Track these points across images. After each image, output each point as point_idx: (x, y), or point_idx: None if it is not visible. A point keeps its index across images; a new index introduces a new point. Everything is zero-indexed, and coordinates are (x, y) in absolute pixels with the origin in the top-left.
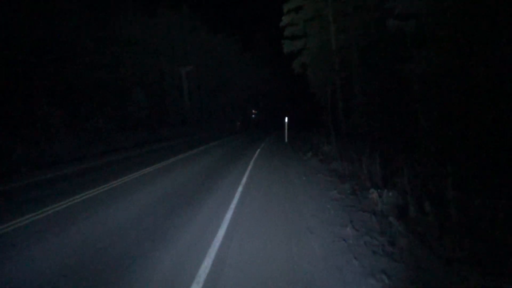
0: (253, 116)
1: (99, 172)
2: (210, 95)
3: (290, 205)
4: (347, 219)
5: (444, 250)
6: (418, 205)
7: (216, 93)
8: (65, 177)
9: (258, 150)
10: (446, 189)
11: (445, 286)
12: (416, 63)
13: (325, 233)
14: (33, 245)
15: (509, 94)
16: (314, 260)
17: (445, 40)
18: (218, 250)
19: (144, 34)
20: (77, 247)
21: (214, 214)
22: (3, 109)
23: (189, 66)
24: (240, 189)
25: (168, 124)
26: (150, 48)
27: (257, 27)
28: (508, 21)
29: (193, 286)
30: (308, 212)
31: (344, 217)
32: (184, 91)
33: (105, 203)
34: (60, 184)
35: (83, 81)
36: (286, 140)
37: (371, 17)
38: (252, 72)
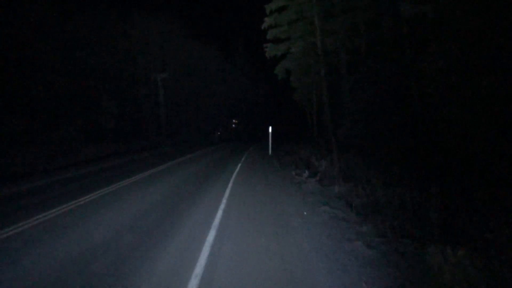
0: (233, 125)
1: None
2: (188, 104)
3: None
4: None
5: None
6: None
7: (194, 102)
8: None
9: (238, 166)
10: None
11: None
12: (433, 58)
13: None
14: None
15: None
16: None
17: (468, 28)
18: None
19: (117, 39)
20: None
21: None
22: None
23: (165, 72)
24: (206, 251)
25: (142, 135)
26: (122, 54)
27: (238, 34)
28: None
29: None
30: None
31: None
32: (160, 100)
33: None
34: None
35: (45, 88)
36: (270, 152)
37: (364, 17)
38: (233, 80)
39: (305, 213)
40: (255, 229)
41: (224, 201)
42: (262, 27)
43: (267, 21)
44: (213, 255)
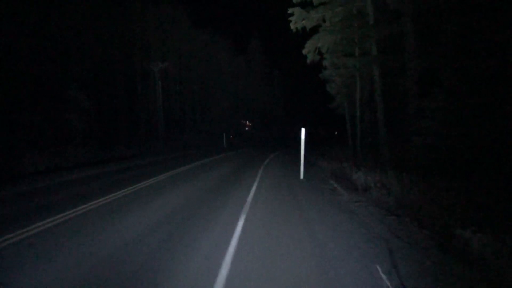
0: (246, 128)
1: None
2: (194, 103)
3: None
4: None
5: None
6: None
7: (201, 100)
8: None
9: (245, 212)
10: None
11: None
12: None
13: None
14: None
15: None
16: None
17: None
18: None
19: (107, 21)
20: None
21: None
22: None
23: (164, 63)
24: None
25: (134, 138)
26: (112, 37)
27: (252, 27)
28: None
29: None
30: None
31: None
32: (157, 96)
33: None
34: None
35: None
36: (302, 176)
37: None
38: (246, 77)
39: None
40: None
41: None
42: None
43: None
44: None
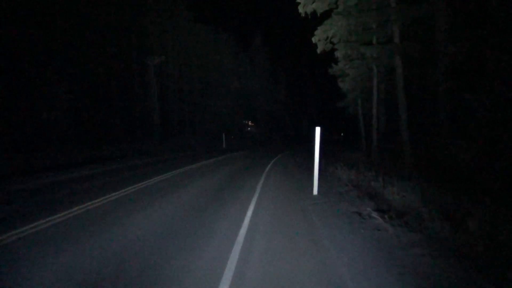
0: (249, 129)
1: None
2: (194, 101)
3: None
4: None
5: None
6: None
7: (202, 98)
8: None
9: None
10: None
11: None
12: None
13: None
14: None
15: None
16: None
17: None
18: None
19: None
20: None
21: None
22: None
23: (160, 56)
24: None
25: (128, 138)
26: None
27: (256, 23)
28: None
29: None
30: None
31: None
32: (153, 92)
33: None
34: None
35: None
36: (316, 191)
37: None
38: (248, 77)
39: None
40: None
41: None
42: None
43: None
44: None
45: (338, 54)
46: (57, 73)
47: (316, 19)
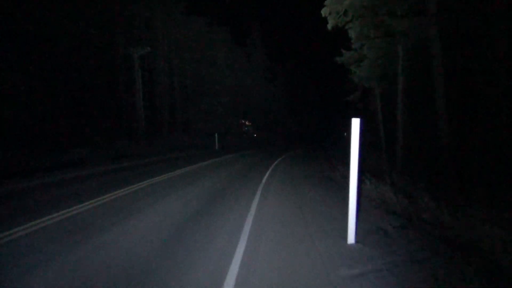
0: (245, 128)
1: None
2: (185, 98)
3: None
4: None
5: None
6: None
7: (193, 95)
8: None
9: None
10: None
11: None
12: None
13: None
14: None
15: None
16: None
17: None
18: None
19: None
20: None
21: None
22: None
23: (145, 48)
24: None
25: (109, 138)
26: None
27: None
28: None
29: None
30: None
31: None
32: (137, 87)
33: None
34: None
35: None
36: (351, 235)
37: None
38: (245, 73)
39: None
40: None
41: None
42: None
43: None
44: None
45: (351, 33)
46: (16, 62)
47: None
